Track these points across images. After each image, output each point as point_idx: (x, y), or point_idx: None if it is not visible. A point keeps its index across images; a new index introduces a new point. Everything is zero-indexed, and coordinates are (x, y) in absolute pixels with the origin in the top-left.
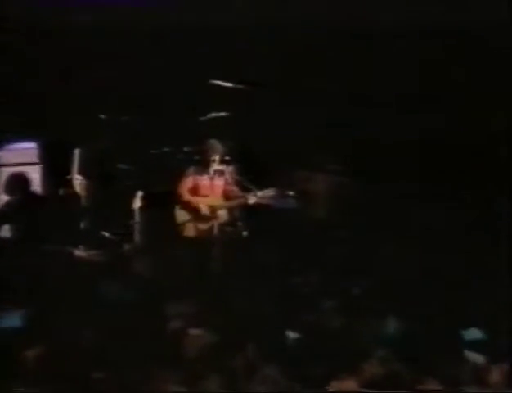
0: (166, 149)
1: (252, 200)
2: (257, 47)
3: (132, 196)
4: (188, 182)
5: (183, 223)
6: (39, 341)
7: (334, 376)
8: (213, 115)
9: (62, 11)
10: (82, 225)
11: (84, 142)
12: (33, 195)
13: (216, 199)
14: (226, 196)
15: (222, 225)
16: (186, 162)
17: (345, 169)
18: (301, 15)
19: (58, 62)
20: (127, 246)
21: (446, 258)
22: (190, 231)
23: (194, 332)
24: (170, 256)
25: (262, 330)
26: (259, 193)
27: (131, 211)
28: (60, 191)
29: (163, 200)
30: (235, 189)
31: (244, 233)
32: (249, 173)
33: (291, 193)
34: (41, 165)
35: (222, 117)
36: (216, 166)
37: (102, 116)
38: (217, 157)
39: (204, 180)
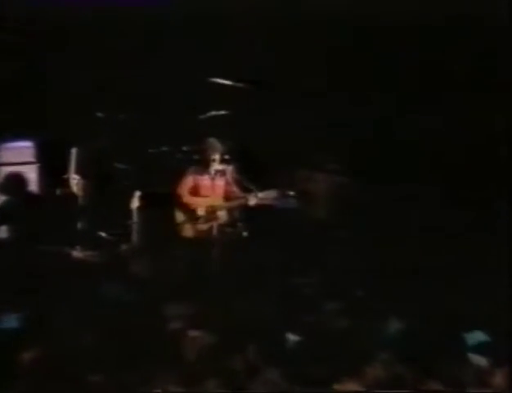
0: (164, 148)
1: (253, 201)
2: (257, 45)
3: (130, 196)
4: (188, 182)
5: (182, 224)
6: (37, 343)
7: (335, 378)
8: (213, 113)
9: (61, 10)
10: (79, 225)
11: (82, 141)
12: (30, 194)
13: (216, 199)
14: (227, 196)
15: (222, 226)
16: (185, 161)
17: (345, 169)
18: (301, 14)
19: (55, 61)
20: (124, 247)
21: (446, 258)
22: (189, 231)
23: (193, 333)
24: (169, 257)
25: (263, 332)
26: (260, 194)
27: (129, 211)
28: (57, 191)
29: (162, 200)
30: (235, 190)
31: (244, 234)
32: (249, 172)
33: (292, 193)
34: (38, 165)
35: (221, 116)
36: (216, 166)
37: (100, 115)
38: (217, 156)
39: (204, 180)
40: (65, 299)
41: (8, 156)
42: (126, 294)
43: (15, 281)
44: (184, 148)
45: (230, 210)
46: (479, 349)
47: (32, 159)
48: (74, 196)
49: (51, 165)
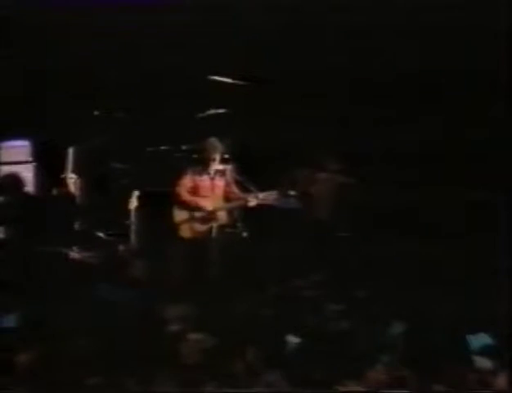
0: (163, 147)
1: (253, 202)
2: (257, 43)
3: (129, 196)
4: (187, 182)
5: (181, 224)
6: (34, 343)
7: (337, 381)
8: (212, 112)
9: (60, 8)
10: (76, 225)
11: (79, 140)
12: (26, 194)
13: (216, 200)
14: (227, 197)
15: (222, 226)
16: (184, 161)
17: (346, 169)
18: (302, 13)
19: (53, 61)
20: (123, 247)
21: (446, 258)
22: (188, 232)
23: (193, 335)
24: (167, 258)
25: (263, 333)
26: (261, 195)
27: (127, 211)
28: (54, 191)
29: (161, 200)
30: (235, 190)
31: (244, 234)
32: (250, 172)
33: (292, 193)
34: (34, 164)
35: (221, 115)
36: (216, 166)
37: (97, 113)
38: (216, 156)
39: (204, 180)
40: (63, 300)
41: (4, 156)
42: (124, 295)
43: (12, 281)
44: (183, 147)
45: (229, 211)
46: (484, 351)
47: (28, 158)
48: (71, 195)
49: (48, 165)
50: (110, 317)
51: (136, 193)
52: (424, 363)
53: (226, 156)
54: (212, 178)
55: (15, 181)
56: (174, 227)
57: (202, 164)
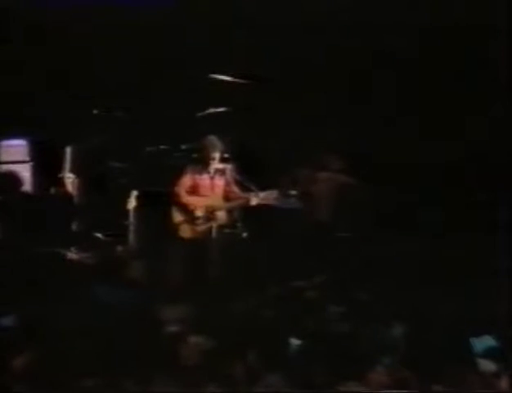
0: (162, 146)
1: (253, 201)
2: (258, 42)
3: (127, 196)
4: (187, 182)
5: (180, 224)
6: (31, 345)
7: (338, 383)
8: (212, 110)
9: (60, 8)
10: (74, 226)
11: (76, 139)
12: (24, 194)
13: (216, 200)
14: (227, 196)
15: (221, 226)
16: (183, 160)
17: (347, 169)
18: (302, 11)
19: (51, 60)
20: (121, 248)
21: (447, 258)
22: (187, 232)
23: (192, 336)
24: (166, 258)
25: (264, 335)
26: (261, 194)
27: (125, 211)
28: (52, 191)
29: (160, 199)
30: (235, 190)
31: (244, 234)
32: (250, 172)
33: (293, 193)
34: (31, 163)
35: (221, 113)
36: (216, 165)
37: (95, 112)
38: (216, 155)
39: (203, 179)
40: (60, 301)
41: (2, 155)
42: (122, 296)
43: (9, 281)
44: (183, 146)
45: (229, 211)
46: (486, 353)
47: (26, 157)
48: (68, 195)
49: (46, 164)
50: (108, 318)
51: (134, 193)
52: (425, 364)
53: (226, 155)
54: (211, 178)
55: (12, 180)
56: (173, 227)
57: (202, 164)
